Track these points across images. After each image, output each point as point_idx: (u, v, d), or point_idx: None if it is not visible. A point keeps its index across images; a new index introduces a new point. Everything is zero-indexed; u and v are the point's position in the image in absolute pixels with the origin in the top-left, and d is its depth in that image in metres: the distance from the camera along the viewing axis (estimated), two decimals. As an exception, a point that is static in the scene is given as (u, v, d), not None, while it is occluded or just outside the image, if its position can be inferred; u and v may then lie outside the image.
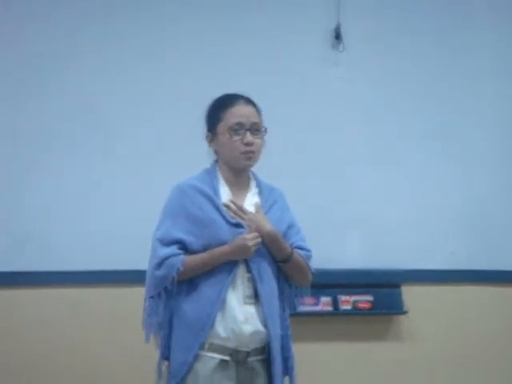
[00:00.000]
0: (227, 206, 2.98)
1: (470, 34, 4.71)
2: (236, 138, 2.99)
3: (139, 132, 4.41)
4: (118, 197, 4.35)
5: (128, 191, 4.36)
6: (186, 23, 4.48)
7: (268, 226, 2.97)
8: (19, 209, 4.29)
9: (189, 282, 2.95)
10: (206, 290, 2.93)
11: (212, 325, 2.90)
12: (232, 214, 2.98)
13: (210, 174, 3.07)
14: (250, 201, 3.07)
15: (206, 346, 2.91)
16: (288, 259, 3.02)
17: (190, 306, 2.93)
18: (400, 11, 4.63)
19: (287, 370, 3.07)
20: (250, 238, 2.92)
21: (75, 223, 4.33)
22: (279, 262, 3.03)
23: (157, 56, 4.46)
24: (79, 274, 4.29)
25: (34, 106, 4.36)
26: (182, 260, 2.91)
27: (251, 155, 3.01)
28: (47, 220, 4.31)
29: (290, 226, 3.10)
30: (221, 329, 2.90)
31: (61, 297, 4.30)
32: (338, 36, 4.54)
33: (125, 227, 4.30)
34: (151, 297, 2.96)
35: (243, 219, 2.97)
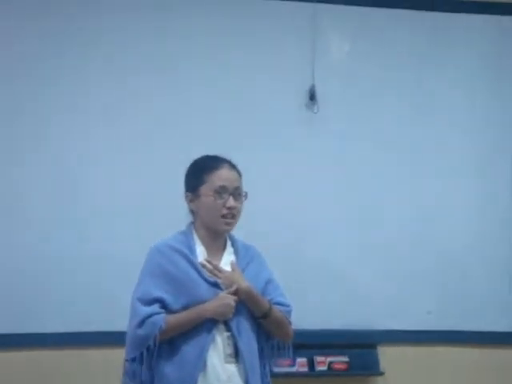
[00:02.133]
0: (203, 266, 2.99)
1: (441, 90, 4.76)
2: (219, 201, 3.00)
3: (117, 190, 4.38)
4: (89, 257, 4.30)
5: (100, 250, 4.30)
6: (159, 89, 4.49)
7: (244, 283, 2.98)
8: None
9: (169, 343, 2.92)
10: (187, 350, 2.91)
11: None
12: (208, 273, 2.98)
13: (185, 234, 3.08)
14: (226, 260, 3.08)
15: (190, 406, 2.88)
16: (266, 315, 3.02)
17: (171, 368, 2.90)
18: (373, 73, 4.67)
19: (269, 426, 3.06)
20: (231, 297, 2.93)
21: (44, 285, 4.26)
22: (258, 319, 3.02)
23: (132, 112, 4.44)
24: (51, 336, 4.22)
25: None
26: (163, 318, 2.89)
27: (231, 220, 3.04)
28: (16, 282, 4.24)
29: (268, 282, 3.11)
30: (203, 389, 2.88)
31: (32, 360, 4.21)
32: (312, 97, 4.57)
33: (97, 288, 4.25)
34: (133, 358, 2.92)
35: (219, 278, 2.98)
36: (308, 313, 4.36)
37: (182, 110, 4.47)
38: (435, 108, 4.76)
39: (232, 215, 3.02)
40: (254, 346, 3.00)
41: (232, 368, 2.92)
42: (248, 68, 4.56)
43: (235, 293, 2.95)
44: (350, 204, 4.62)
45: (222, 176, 3.03)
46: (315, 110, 4.58)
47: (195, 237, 3.07)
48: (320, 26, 4.58)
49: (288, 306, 3.11)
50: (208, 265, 2.99)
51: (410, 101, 4.74)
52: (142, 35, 4.46)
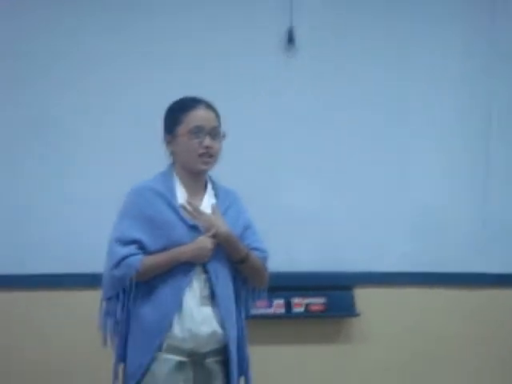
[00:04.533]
0: (183, 207, 2.98)
1: (420, 37, 4.71)
2: (195, 140, 2.99)
3: (94, 136, 4.37)
4: (72, 199, 4.30)
5: (82, 192, 4.31)
6: (136, 28, 4.44)
7: (224, 227, 2.99)
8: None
9: (146, 284, 2.94)
10: (163, 291, 2.92)
11: (169, 326, 2.89)
12: (188, 215, 2.97)
13: (166, 176, 3.07)
14: (207, 203, 3.07)
15: (164, 347, 2.90)
16: (244, 260, 3.03)
17: (147, 309, 2.92)
18: (354, 15, 4.61)
19: (243, 370, 3.08)
20: (209, 240, 2.93)
21: (27, 227, 4.28)
22: (235, 263, 3.04)
23: (114, 60, 4.41)
24: (34, 277, 4.23)
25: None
26: (140, 260, 2.90)
27: (209, 159, 3.03)
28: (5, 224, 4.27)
29: (247, 228, 3.12)
30: (178, 330, 2.90)
31: (15, 300, 4.23)
32: (290, 39, 4.53)
33: (79, 230, 4.26)
34: (109, 298, 2.96)
35: (199, 220, 2.97)
36: (286, 255, 4.39)
37: (160, 57, 4.43)
38: (420, 54, 4.71)
39: (209, 155, 3.01)
40: (231, 290, 3.02)
41: (207, 310, 2.94)
42: (225, 11, 4.50)
43: (214, 236, 2.96)
44: (327, 148, 4.60)
45: (198, 116, 3.01)
46: (293, 53, 4.54)
47: (175, 178, 3.06)
48: (299, -33, 4.53)
49: (265, 251, 3.13)
50: (188, 206, 2.98)
51: (394, 44, 4.68)
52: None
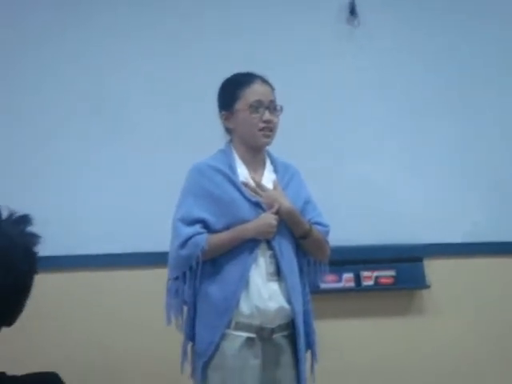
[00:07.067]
0: (245, 184, 3.00)
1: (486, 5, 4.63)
2: (255, 115, 3.00)
3: (153, 114, 4.34)
4: (135, 179, 4.29)
5: (144, 172, 4.29)
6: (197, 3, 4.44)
7: (286, 202, 3.00)
8: (36, 195, 4.16)
9: (212, 262, 2.96)
10: (230, 269, 2.94)
11: (237, 303, 2.91)
12: (251, 192, 2.98)
13: (225, 153, 3.08)
14: (267, 178, 3.09)
15: (232, 324, 2.93)
16: (307, 235, 3.04)
17: (214, 287, 2.94)
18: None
19: (309, 344, 3.11)
20: (273, 216, 2.93)
21: (92, 207, 4.27)
22: (298, 238, 3.04)
23: (171, 41, 4.39)
24: (99, 257, 4.24)
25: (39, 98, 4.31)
26: (206, 238, 2.92)
27: (269, 133, 3.04)
28: (64, 204, 4.25)
29: (307, 202, 3.13)
30: (246, 307, 2.92)
31: (80, 280, 4.25)
32: (352, 11, 4.47)
33: (141, 209, 4.25)
34: (176, 278, 2.97)
35: (261, 196, 2.98)
36: (353, 229, 4.36)
37: (219, 30, 4.39)
38: (478, 15, 4.63)
39: (269, 129, 3.02)
40: (295, 264, 3.03)
41: (274, 286, 2.95)
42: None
43: (277, 212, 2.97)
44: (390, 117, 4.53)
45: (256, 90, 3.02)
46: (356, 24, 4.49)
47: (235, 155, 3.07)
48: None
49: (327, 226, 3.13)
50: (251, 182, 3.00)
51: (456, 9, 4.60)
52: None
